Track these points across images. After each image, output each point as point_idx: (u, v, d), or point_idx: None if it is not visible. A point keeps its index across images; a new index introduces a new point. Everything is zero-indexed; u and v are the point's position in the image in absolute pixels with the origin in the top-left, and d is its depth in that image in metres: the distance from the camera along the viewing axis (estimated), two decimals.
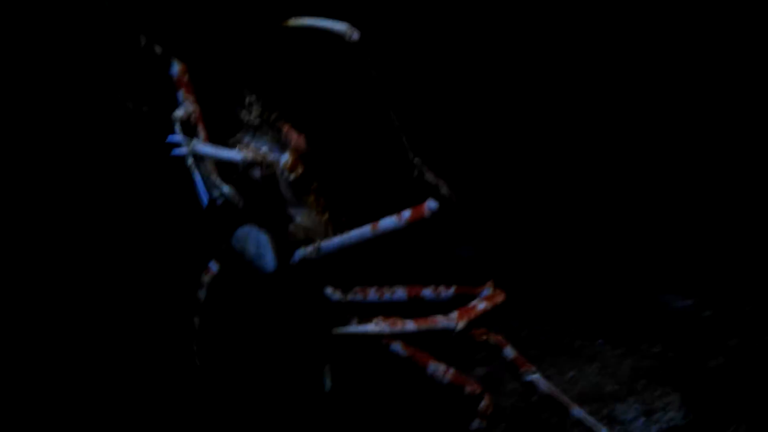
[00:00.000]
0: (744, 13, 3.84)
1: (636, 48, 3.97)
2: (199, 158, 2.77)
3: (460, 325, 2.37)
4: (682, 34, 3.90)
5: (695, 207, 4.02)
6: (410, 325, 2.35)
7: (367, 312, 2.79)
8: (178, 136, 2.50)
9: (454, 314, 2.39)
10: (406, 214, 2.36)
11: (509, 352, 2.68)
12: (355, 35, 2.10)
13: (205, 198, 2.65)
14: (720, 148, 4.00)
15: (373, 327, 2.37)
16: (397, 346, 2.67)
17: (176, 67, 2.83)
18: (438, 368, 2.65)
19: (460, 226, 3.80)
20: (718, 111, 3.98)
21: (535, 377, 2.69)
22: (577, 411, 2.74)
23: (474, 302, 2.46)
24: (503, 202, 3.93)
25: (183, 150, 2.45)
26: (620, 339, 3.51)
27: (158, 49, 2.88)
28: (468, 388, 2.64)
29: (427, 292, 2.60)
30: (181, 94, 2.79)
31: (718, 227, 3.96)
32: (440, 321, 2.37)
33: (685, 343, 3.38)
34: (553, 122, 4.04)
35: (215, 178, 2.73)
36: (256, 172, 2.60)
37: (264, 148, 2.59)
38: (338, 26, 2.10)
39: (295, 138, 2.61)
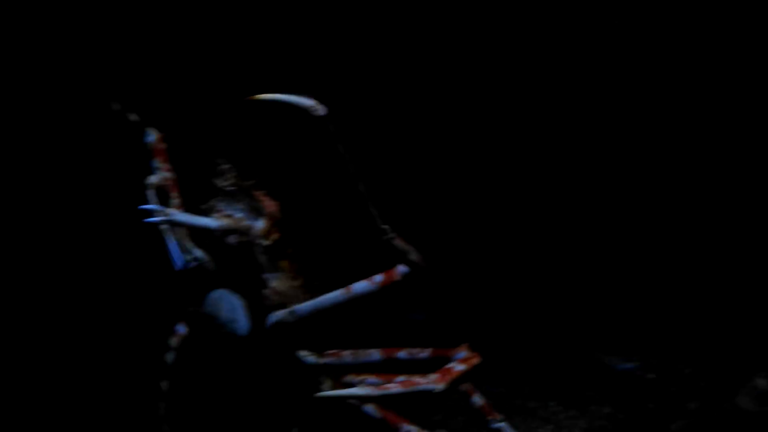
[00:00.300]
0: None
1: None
2: (173, 225, 2.82)
3: (441, 386, 2.40)
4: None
5: (634, 269, 4.13)
6: (395, 388, 2.37)
7: (340, 374, 2.82)
8: (152, 204, 2.54)
9: (434, 376, 2.41)
10: (378, 278, 2.43)
11: (477, 399, 2.75)
12: (321, 110, 2.18)
13: (178, 262, 2.68)
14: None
15: (358, 390, 2.39)
16: (370, 408, 2.70)
17: (152, 136, 2.90)
18: (411, 430, 2.67)
19: (414, 292, 3.85)
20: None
21: (502, 425, 2.75)
22: None
23: (452, 364, 2.48)
24: (454, 268, 4.00)
25: (158, 218, 2.48)
26: (571, 400, 3.59)
27: (133, 117, 2.94)
28: None
29: (402, 354, 2.63)
30: (156, 162, 2.84)
31: (656, 291, 4.08)
32: (422, 383, 2.39)
33: (633, 405, 3.48)
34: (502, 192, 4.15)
35: (188, 243, 2.77)
36: (232, 239, 2.64)
37: (239, 215, 2.64)
38: (305, 101, 2.18)
39: (269, 205, 2.67)
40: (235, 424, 3.44)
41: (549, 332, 4.08)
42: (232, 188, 2.66)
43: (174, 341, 3.01)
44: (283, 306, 2.66)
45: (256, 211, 2.66)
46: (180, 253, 2.66)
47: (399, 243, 2.33)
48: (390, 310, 3.67)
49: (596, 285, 4.10)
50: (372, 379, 2.73)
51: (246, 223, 2.62)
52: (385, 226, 2.31)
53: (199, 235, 2.74)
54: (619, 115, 4.04)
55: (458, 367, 2.47)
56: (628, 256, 4.11)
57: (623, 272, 4.10)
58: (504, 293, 4.15)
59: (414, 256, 2.33)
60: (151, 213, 2.48)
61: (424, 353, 2.61)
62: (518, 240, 4.18)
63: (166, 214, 2.47)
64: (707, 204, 4.00)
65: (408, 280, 2.37)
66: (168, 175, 2.81)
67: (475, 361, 2.52)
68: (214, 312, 2.76)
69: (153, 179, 2.73)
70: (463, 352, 2.56)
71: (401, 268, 2.36)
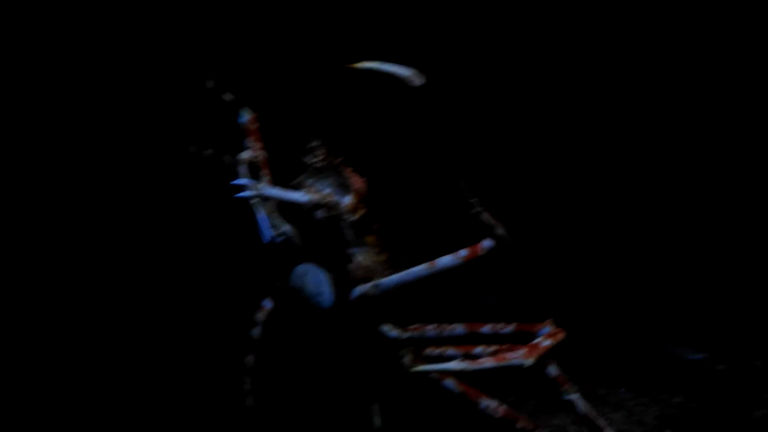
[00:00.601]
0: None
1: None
2: (263, 199, 2.92)
3: (529, 361, 2.42)
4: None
5: (708, 262, 4.08)
6: (488, 362, 2.40)
7: (421, 348, 2.87)
8: (244, 179, 2.62)
9: (522, 351, 2.45)
10: (463, 252, 2.46)
11: (553, 370, 2.71)
12: (419, 80, 2.19)
13: (266, 235, 2.76)
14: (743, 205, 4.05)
15: (453, 365, 2.40)
16: (450, 383, 2.75)
17: (246, 116, 3.00)
18: (490, 404, 2.71)
19: (484, 274, 3.86)
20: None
21: (575, 396, 2.73)
22: None
23: (538, 339, 2.51)
24: (527, 252, 4.00)
25: (249, 192, 2.57)
26: (641, 388, 3.58)
27: (228, 97, 3.04)
28: (519, 424, 2.71)
29: (486, 329, 2.66)
30: (249, 141, 2.94)
31: (730, 284, 4.02)
32: (512, 357, 2.42)
33: (704, 395, 3.45)
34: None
35: (276, 219, 2.86)
36: (319, 213, 2.71)
37: (327, 191, 2.71)
38: (403, 71, 2.20)
39: (357, 181, 2.73)
40: (317, 397, 3.53)
41: (618, 320, 4.06)
42: (321, 165, 2.73)
43: (261, 316, 3.13)
44: (367, 280, 2.73)
45: (344, 187, 2.73)
46: (269, 226, 2.73)
47: (486, 217, 2.35)
48: (460, 293, 3.71)
49: (667, 274, 4.08)
50: (452, 350, 2.79)
51: (334, 198, 2.70)
52: (474, 200, 2.33)
53: (286, 210, 2.83)
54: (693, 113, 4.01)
55: (545, 343, 2.49)
56: (698, 247, 4.08)
57: (693, 262, 4.07)
58: (577, 279, 4.15)
59: (500, 231, 2.36)
60: (242, 188, 2.58)
61: (508, 328, 2.64)
62: (597, 229, 4.17)
63: (257, 189, 2.55)
64: None
65: (492, 256, 2.40)
66: (260, 153, 2.90)
67: (561, 336, 2.53)
68: (300, 285, 2.85)
69: (244, 155, 2.82)
70: (547, 328, 2.57)
71: (486, 243, 2.39)
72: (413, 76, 2.18)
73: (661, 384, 3.59)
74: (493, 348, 2.67)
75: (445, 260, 2.50)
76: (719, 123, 4.01)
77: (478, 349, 2.74)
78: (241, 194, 2.56)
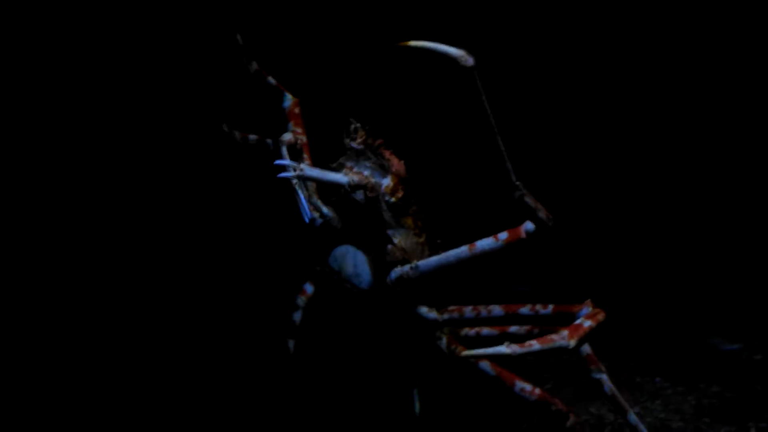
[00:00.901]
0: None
1: None
2: (303, 180, 2.94)
3: (573, 342, 2.41)
4: None
5: (739, 255, 4.05)
6: (534, 346, 2.39)
7: (457, 329, 2.88)
8: (286, 160, 2.64)
9: (565, 333, 2.44)
10: (503, 235, 2.44)
11: (586, 348, 2.73)
12: (470, 60, 2.18)
13: (306, 215, 2.77)
14: None
15: (502, 349, 2.37)
16: (486, 365, 2.75)
17: (289, 100, 3.03)
18: (525, 387, 2.72)
19: (519, 262, 3.83)
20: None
21: (603, 376, 2.74)
22: (633, 417, 2.80)
23: (579, 320, 2.49)
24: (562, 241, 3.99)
25: (290, 173, 2.58)
26: (677, 378, 3.57)
27: (271, 81, 3.07)
28: (554, 407, 2.71)
29: (525, 310, 2.66)
30: (292, 125, 2.98)
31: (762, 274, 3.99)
32: (556, 340, 2.41)
33: (741, 385, 3.44)
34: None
35: (316, 200, 2.88)
36: (359, 195, 2.73)
37: (366, 173, 2.73)
38: (454, 51, 2.19)
39: (396, 163, 2.74)
40: (356, 379, 3.55)
41: (655, 309, 4.04)
42: (361, 147, 2.74)
43: (301, 300, 3.16)
44: (405, 262, 2.74)
45: (383, 169, 2.74)
46: (308, 207, 2.74)
47: (530, 200, 2.34)
48: (495, 281, 3.70)
49: (703, 263, 4.06)
50: (487, 330, 2.79)
51: (373, 180, 2.72)
52: (518, 182, 2.33)
53: (326, 192, 2.85)
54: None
55: (586, 323, 2.48)
56: (735, 236, 4.06)
57: (730, 251, 4.05)
58: (614, 265, 4.13)
59: (543, 214, 2.35)
60: (283, 168, 2.59)
61: (547, 309, 2.64)
62: (635, 220, 4.15)
63: (298, 170, 2.57)
64: None
65: (533, 240, 2.38)
66: (301, 136, 2.92)
67: (601, 316, 2.51)
68: (339, 267, 2.87)
69: (286, 137, 2.84)
70: (587, 308, 2.56)
71: (528, 226, 2.38)
72: (464, 57, 2.18)
73: (698, 373, 3.58)
74: (526, 328, 2.68)
75: (485, 243, 2.48)
76: (758, 115, 3.97)
77: (513, 328, 2.76)
78: (283, 174, 2.58)
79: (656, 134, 4.10)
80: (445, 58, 2.16)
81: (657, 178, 4.13)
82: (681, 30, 3.96)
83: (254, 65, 3.11)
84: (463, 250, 2.54)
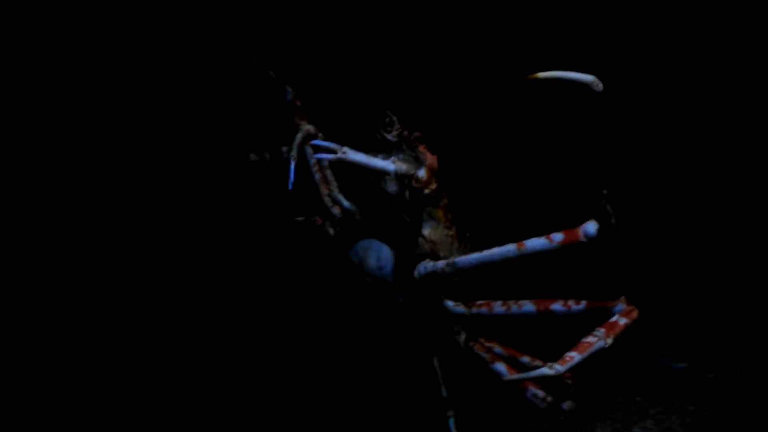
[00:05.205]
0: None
1: None
2: (323, 171, 2.81)
3: (610, 341, 2.44)
4: None
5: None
6: (576, 358, 2.38)
7: (482, 325, 2.88)
8: (328, 142, 2.49)
9: (601, 331, 2.45)
10: (558, 236, 2.40)
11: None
12: (601, 86, 2.22)
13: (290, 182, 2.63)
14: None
15: (547, 371, 2.34)
16: (501, 367, 2.79)
17: (290, 94, 2.92)
18: (537, 393, 2.78)
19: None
20: None
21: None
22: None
23: (614, 318, 2.51)
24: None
25: (332, 155, 2.45)
26: (653, 397, 3.56)
27: (272, 74, 2.92)
28: (563, 417, 2.80)
29: (557, 306, 2.65)
30: (296, 118, 2.85)
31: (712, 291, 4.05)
32: (594, 343, 2.41)
33: (711, 403, 3.48)
34: None
35: (337, 194, 2.79)
36: (391, 186, 2.64)
37: (399, 164, 2.62)
38: (588, 78, 2.23)
39: (429, 157, 2.66)
40: (378, 372, 3.46)
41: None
42: (396, 139, 2.64)
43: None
44: (433, 255, 2.69)
45: (417, 162, 2.66)
46: (294, 176, 2.61)
47: (606, 205, 2.35)
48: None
49: (653, 279, 4.04)
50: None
51: (413, 170, 2.63)
52: (605, 191, 2.32)
53: (348, 185, 2.75)
54: None
55: (621, 321, 2.52)
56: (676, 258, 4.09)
57: (672, 272, 4.07)
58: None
59: (614, 221, 2.35)
60: (324, 149, 2.46)
61: (580, 305, 2.64)
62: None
63: (341, 152, 2.45)
64: None
65: (592, 244, 2.37)
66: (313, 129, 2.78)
67: (635, 314, 2.56)
68: (360, 260, 2.77)
69: (306, 128, 2.70)
70: (621, 305, 2.58)
71: (590, 230, 2.34)
72: (595, 82, 2.21)
73: (668, 392, 3.59)
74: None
75: (536, 243, 2.41)
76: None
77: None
78: (323, 155, 2.45)
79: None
80: (576, 84, 2.15)
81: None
82: None
83: (255, 59, 2.94)
84: (509, 249, 2.47)
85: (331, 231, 2.85)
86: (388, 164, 2.55)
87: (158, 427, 3.19)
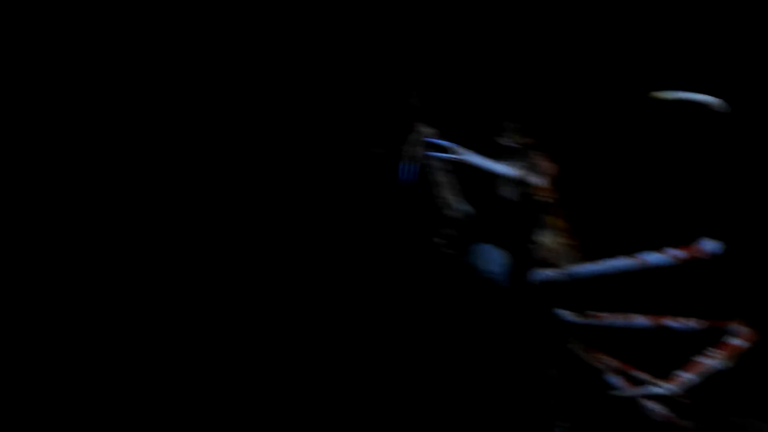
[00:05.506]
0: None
1: None
2: (441, 173, 2.86)
3: (730, 363, 2.41)
4: None
5: None
6: (692, 378, 2.37)
7: (592, 335, 2.86)
8: (447, 142, 2.55)
9: (717, 353, 2.42)
10: (678, 252, 2.40)
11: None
12: (726, 108, 2.22)
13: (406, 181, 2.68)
14: None
15: (659, 390, 2.37)
16: (615, 379, 2.76)
17: (415, 97, 2.95)
18: (653, 408, 2.73)
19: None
20: None
21: None
22: None
23: (730, 339, 2.49)
24: None
25: (451, 156, 2.51)
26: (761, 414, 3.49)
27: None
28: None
29: (673, 322, 2.64)
30: (418, 122, 2.88)
31: None
32: (711, 364, 2.39)
33: None
34: None
35: (454, 197, 2.83)
36: (508, 191, 2.67)
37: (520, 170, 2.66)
38: (711, 100, 2.23)
39: (549, 165, 2.68)
40: (486, 377, 3.50)
41: None
42: (516, 145, 2.67)
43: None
44: (549, 263, 2.71)
45: (535, 169, 2.68)
46: (410, 176, 2.65)
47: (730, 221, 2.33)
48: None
49: None
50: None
51: (532, 177, 2.65)
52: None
53: (465, 189, 2.79)
54: None
55: (738, 342, 2.48)
56: None
57: None
58: None
59: (733, 238, 2.33)
60: (444, 149, 2.52)
61: (697, 324, 2.62)
62: None
63: (460, 153, 2.51)
64: None
65: (713, 263, 2.35)
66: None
67: (753, 336, 2.52)
68: (476, 263, 2.82)
69: (427, 129, 2.76)
70: (738, 326, 2.55)
71: (711, 246, 2.34)
72: (720, 106, 2.19)
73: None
74: None
75: (655, 257, 2.45)
76: None
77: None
78: (441, 155, 2.51)
79: None
80: (700, 106, 2.16)
81: None
82: None
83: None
84: (627, 262, 2.51)
85: (448, 234, 2.90)
86: (506, 169, 2.58)
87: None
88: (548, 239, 2.72)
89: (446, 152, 2.52)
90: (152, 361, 3.32)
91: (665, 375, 2.46)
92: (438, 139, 2.78)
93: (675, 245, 2.40)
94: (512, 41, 3.58)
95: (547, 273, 2.67)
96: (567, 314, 2.77)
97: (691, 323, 2.62)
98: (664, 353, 2.68)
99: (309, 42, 3.49)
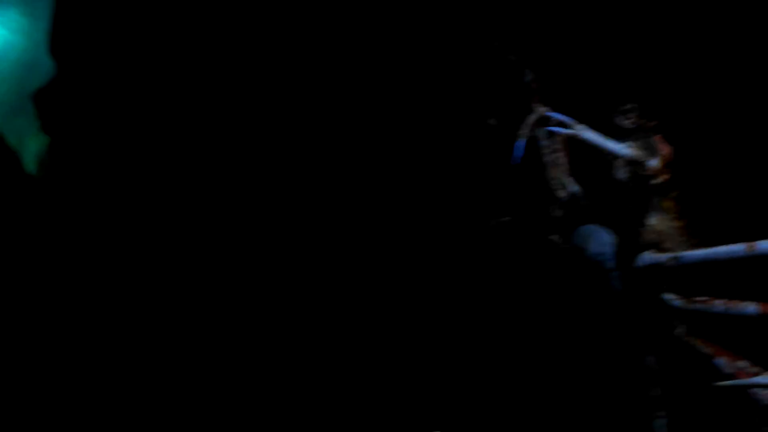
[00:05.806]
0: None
1: None
2: (553, 153, 2.91)
3: None
4: None
5: None
6: None
7: (700, 321, 2.84)
8: (563, 116, 2.60)
9: None
10: None
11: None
12: None
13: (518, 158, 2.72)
14: None
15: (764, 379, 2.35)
16: (723, 362, 2.73)
17: (529, 76, 3.01)
18: (761, 390, 2.69)
19: None
20: None
21: None
22: None
23: None
24: None
25: (566, 130, 2.55)
26: None
27: (513, 57, 3.01)
28: None
29: None
30: (534, 100, 2.91)
31: None
32: None
33: None
34: None
35: (564, 177, 2.87)
36: (621, 172, 2.69)
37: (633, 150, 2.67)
38: None
39: (664, 147, 2.68)
40: (588, 361, 3.52)
41: None
42: (632, 126, 2.69)
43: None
44: (657, 245, 2.72)
45: (650, 150, 2.69)
46: (521, 153, 2.69)
47: None
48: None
49: None
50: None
51: (646, 158, 2.67)
52: None
53: (577, 169, 2.82)
54: None
55: None
56: None
57: None
58: None
59: None
60: (560, 123, 2.56)
61: None
62: None
63: (576, 129, 2.54)
64: None
65: None
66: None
67: None
68: (583, 244, 2.85)
69: (542, 109, 2.80)
70: None
71: None
72: None
73: None
74: None
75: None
76: None
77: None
78: (557, 129, 2.55)
79: None
80: None
81: None
82: None
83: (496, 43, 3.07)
84: (738, 249, 2.47)
85: (557, 213, 2.94)
86: (622, 148, 2.60)
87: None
88: (659, 222, 2.72)
89: (564, 127, 2.55)
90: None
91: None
92: (556, 114, 2.81)
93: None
94: (637, 22, 3.55)
95: (656, 256, 2.68)
96: (674, 299, 2.77)
97: None
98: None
99: (434, 19, 3.56)
